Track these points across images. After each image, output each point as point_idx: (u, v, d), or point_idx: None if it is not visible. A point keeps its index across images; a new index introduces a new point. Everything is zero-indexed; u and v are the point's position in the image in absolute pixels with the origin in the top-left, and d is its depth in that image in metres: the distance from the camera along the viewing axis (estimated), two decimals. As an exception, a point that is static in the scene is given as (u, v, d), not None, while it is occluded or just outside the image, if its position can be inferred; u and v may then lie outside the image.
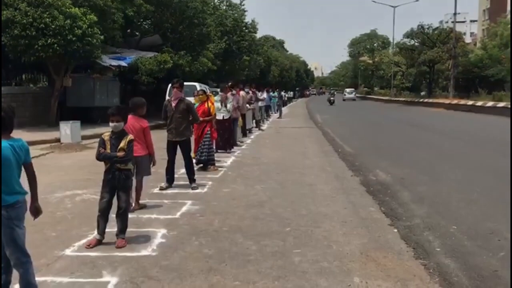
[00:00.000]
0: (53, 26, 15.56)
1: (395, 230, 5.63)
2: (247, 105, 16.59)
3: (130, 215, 5.25)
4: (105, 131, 5.21)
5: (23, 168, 3.57)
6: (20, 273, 3.55)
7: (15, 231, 3.42)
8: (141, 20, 25.68)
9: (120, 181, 5.01)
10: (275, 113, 30.71)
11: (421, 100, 48.34)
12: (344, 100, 67.55)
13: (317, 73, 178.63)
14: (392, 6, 61.74)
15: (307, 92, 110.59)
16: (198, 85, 20.00)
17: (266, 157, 11.70)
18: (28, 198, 3.58)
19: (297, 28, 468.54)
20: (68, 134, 13.76)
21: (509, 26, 39.10)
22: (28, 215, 3.63)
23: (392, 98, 60.00)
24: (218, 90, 11.94)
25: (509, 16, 43.96)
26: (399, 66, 62.73)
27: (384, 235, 5.44)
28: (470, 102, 35.92)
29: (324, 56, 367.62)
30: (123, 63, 21.45)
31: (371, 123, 24.68)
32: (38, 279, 4.08)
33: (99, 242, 4.98)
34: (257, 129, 19.89)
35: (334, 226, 5.74)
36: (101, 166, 5.13)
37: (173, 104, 7.81)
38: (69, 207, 6.72)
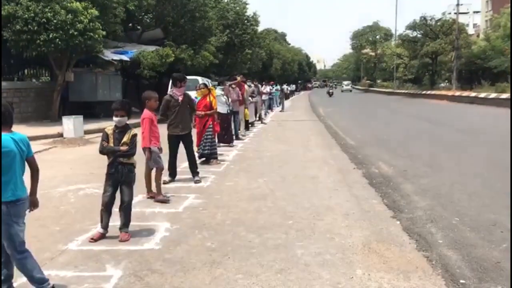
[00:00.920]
0: (54, 21, 15.57)
1: (398, 222, 5.63)
2: (250, 98, 16.59)
3: (133, 209, 5.26)
4: (108, 125, 5.22)
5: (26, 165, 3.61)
6: (18, 268, 3.58)
7: (13, 228, 3.44)
8: (143, 14, 25.66)
9: (123, 175, 5.03)
10: (278, 106, 30.72)
11: (423, 92, 48.19)
12: (342, 91, 78.36)
13: (319, 66, 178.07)
14: (394, -3, 61.40)
15: (310, 85, 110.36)
16: (200, 79, 19.99)
17: (268, 151, 11.71)
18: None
19: (299, 21, 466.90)
20: (70, 129, 13.79)
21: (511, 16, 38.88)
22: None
23: (394, 90, 59.80)
24: (216, 83, 11.91)
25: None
26: (402, 58, 62.45)
27: (387, 227, 5.45)
28: (473, 94, 35.78)
29: (327, 48, 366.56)
30: (125, 58, 21.45)
31: (374, 115, 24.63)
32: (42, 273, 4.12)
33: (102, 236, 5.01)
34: (259, 122, 19.89)
35: (337, 219, 5.75)
36: (104, 161, 5.15)
37: (180, 99, 7.85)
38: (72, 201, 6.75)
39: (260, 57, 41.16)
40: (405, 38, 56.38)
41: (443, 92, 42.29)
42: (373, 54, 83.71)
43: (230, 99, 12.34)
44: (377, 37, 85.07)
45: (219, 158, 9.97)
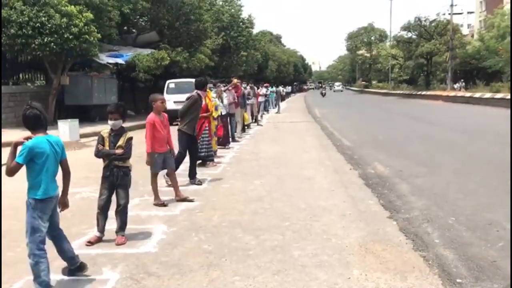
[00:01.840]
0: (49, 25, 15.56)
1: (394, 223, 5.64)
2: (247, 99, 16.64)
3: (129, 212, 5.25)
4: (104, 129, 5.21)
5: None
6: (30, 264, 3.68)
7: (36, 221, 3.67)
8: (138, 17, 25.64)
9: (118, 178, 5.01)
10: (273, 108, 30.73)
11: (419, 92, 48.34)
12: (334, 91, 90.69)
13: (315, 68, 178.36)
14: (389, -1, 61.62)
15: (305, 87, 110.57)
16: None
17: (264, 152, 11.71)
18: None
19: (294, 23, 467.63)
20: (66, 133, 13.74)
21: (506, 17, 39.07)
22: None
23: (390, 91, 59.97)
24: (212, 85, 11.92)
25: (506, 7, 43.93)
26: (397, 59, 62.61)
27: (383, 227, 5.45)
28: (467, 94, 35.93)
29: (322, 50, 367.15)
30: (120, 61, 21.42)
31: (370, 116, 24.69)
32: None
33: (99, 240, 5.00)
34: (255, 124, 19.90)
35: (333, 220, 5.76)
36: (100, 164, 5.14)
37: (203, 102, 7.99)
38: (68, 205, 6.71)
39: (255, 59, 41.17)
40: (400, 39, 56.50)
41: (438, 93, 42.43)
42: (368, 55, 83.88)
43: (224, 101, 12.33)
44: (372, 38, 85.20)
45: (215, 160, 9.97)
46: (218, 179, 8.37)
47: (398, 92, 55.73)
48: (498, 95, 30.69)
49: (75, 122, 14.28)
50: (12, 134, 14.44)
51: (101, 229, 5.05)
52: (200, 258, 4.52)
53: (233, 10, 34.65)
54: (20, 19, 15.38)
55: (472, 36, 63.51)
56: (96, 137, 5.18)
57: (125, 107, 5.26)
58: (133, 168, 5.26)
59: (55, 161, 3.75)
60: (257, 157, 11.01)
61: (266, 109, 27.76)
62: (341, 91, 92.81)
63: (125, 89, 27.21)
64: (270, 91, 31.43)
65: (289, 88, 65.38)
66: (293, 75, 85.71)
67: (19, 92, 18.52)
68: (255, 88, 21.54)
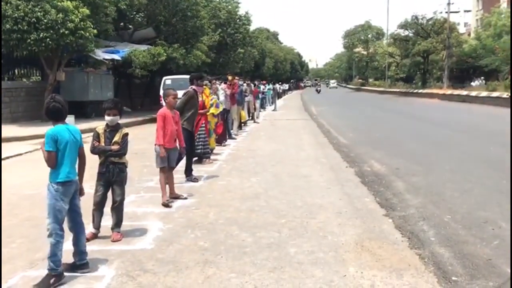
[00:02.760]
0: (45, 20, 15.46)
1: (390, 220, 5.65)
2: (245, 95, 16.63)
3: (125, 209, 5.23)
4: (99, 125, 5.19)
5: None
6: (51, 243, 3.89)
7: (59, 203, 3.95)
8: (134, 13, 25.52)
9: (114, 175, 5.00)
10: (270, 105, 30.72)
11: (415, 90, 48.41)
12: (330, 88, 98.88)
13: (311, 65, 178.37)
14: (385, -4, 61.70)
15: (302, 84, 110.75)
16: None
17: (261, 150, 11.70)
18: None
19: (291, 20, 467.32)
20: (62, 129, 13.67)
21: (503, 16, 39.14)
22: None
23: (386, 89, 60.01)
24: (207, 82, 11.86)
25: (502, 5, 44.00)
26: (394, 57, 62.60)
27: (379, 225, 5.46)
28: (464, 92, 36.02)
29: (319, 47, 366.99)
30: (116, 57, 21.33)
31: (366, 114, 24.70)
32: (33, 273, 4.10)
33: (94, 236, 4.98)
34: (252, 121, 19.88)
35: (329, 217, 5.76)
36: (96, 160, 5.11)
37: (200, 98, 7.95)
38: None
39: (252, 56, 41.03)
40: (397, 37, 56.46)
41: (435, 91, 42.52)
42: (365, 53, 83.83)
43: (221, 98, 12.30)
44: (369, 36, 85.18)
45: (211, 157, 9.95)
46: (214, 176, 8.35)
47: (394, 90, 55.82)
48: (494, 94, 30.80)
49: (71, 118, 13.95)
50: (7, 130, 14.40)
51: (97, 226, 5.04)
52: (196, 255, 4.51)
53: (230, 7, 34.54)
54: (16, 14, 15.27)
55: (469, 34, 63.57)
56: (92, 133, 5.15)
57: (122, 103, 5.23)
58: (129, 164, 5.24)
59: (75, 148, 4.09)
60: (254, 154, 11.00)
61: (263, 107, 27.74)
62: (336, 87, 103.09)
63: (121, 85, 27.13)
64: (268, 88, 31.41)
65: (286, 86, 65.31)
66: (290, 73, 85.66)
67: (14, 88, 18.43)
68: (252, 85, 21.50)
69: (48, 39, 15.57)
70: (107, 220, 5.11)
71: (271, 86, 33.67)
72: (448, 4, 44.95)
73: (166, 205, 6.28)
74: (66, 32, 15.80)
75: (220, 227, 5.41)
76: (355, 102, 38.47)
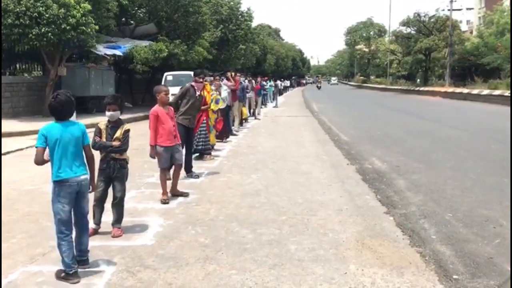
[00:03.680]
0: (47, 15, 15.44)
1: (391, 218, 5.64)
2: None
3: (125, 205, 5.23)
4: (101, 120, 5.17)
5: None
6: (56, 245, 3.96)
7: (55, 205, 3.89)
8: (136, 8, 25.51)
9: (115, 171, 4.98)
10: (271, 102, 30.68)
11: (417, 88, 48.31)
12: (331, 84, 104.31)
13: (313, 62, 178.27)
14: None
15: (303, 81, 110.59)
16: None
17: (262, 146, 11.69)
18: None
19: (293, 16, 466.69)
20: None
21: (505, 13, 39.02)
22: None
23: (388, 86, 59.90)
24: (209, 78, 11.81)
25: (505, 4, 43.87)
26: (395, 54, 62.51)
27: (380, 223, 5.45)
28: (465, 90, 35.95)
29: (321, 44, 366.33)
30: (118, 52, 21.31)
31: (367, 112, 24.66)
32: (33, 268, 4.10)
33: (95, 232, 4.97)
34: (253, 118, 19.86)
35: (330, 214, 5.75)
36: (97, 156, 5.09)
37: (197, 93, 7.90)
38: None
39: (254, 53, 40.96)
40: (399, 34, 56.31)
41: (436, 89, 42.44)
42: (366, 50, 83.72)
43: (223, 94, 12.27)
44: (371, 33, 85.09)
45: (212, 153, 9.94)
46: (215, 173, 8.34)
47: (396, 87, 55.72)
48: (496, 92, 30.74)
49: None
50: (8, 125, 14.40)
51: (97, 221, 5.03)
52: (196, 252, 4.51)
53: (232, 3, 34.47)
54: (17, 9, 15.26)
55: (471, 32, 63.48)
56: (93, 129, 5.14)
57: (123, 98, 5.21)
58: (130, 160, 5.23)
59: (72, 146, 3.93)
60: (255, 151, 10.99)
61: (264, 103, 27.72)
62: (337, 84, 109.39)
63: (122, 81, 27.12)
64: (269, 85, 31.38)
65: (287, 82, 65.22)
66: (292, 69, 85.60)
67: (15, 83, 18.43)
68: (253, 81, 21.47)
69: (49, 34, 15.56)
70: (108, 216, 5.10)
71: (272, 82, 33.63)
72: (451, 1, 44.84)
73: (163, 203, 6.26)
74: (68, 27, 15.79)
75: (220, 223, 5.40)
76: (356, 100, 38.41)
